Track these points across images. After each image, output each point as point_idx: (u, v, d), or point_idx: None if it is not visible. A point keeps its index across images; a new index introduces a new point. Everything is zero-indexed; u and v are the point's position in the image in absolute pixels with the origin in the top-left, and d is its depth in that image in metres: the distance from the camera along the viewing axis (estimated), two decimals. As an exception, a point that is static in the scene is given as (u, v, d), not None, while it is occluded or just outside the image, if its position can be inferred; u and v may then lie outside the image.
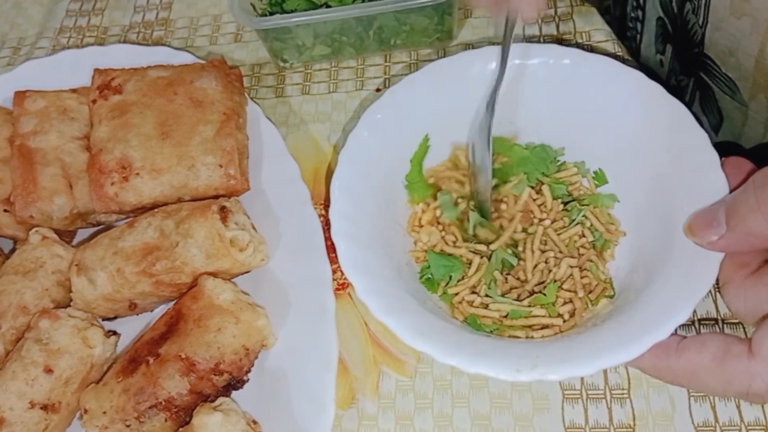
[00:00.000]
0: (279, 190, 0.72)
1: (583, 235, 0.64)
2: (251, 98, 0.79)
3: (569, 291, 0.61)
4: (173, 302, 0.65)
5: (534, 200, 0.65)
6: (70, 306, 0.67)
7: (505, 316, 0.61)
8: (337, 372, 0.62)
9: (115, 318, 0.70)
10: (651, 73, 0.64)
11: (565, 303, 0.61)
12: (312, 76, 0.86)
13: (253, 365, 0.63)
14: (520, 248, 0.64)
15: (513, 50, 0.66)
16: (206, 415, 0.57)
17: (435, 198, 0.68)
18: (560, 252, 0.63)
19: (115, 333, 0.67)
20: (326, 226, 0.65)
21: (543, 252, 0.63)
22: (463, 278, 0.63)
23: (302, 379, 0.62)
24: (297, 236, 0.69)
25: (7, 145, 0.74)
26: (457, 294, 0.63)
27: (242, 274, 0.68)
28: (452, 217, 0.66)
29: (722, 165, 0.56)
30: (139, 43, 0.93)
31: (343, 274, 0.57)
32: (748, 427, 0.57)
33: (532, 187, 0.66)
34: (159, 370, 0.59)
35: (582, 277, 0.62)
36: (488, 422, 0.61)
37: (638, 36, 0.91)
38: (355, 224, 0.60)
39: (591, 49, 0.78)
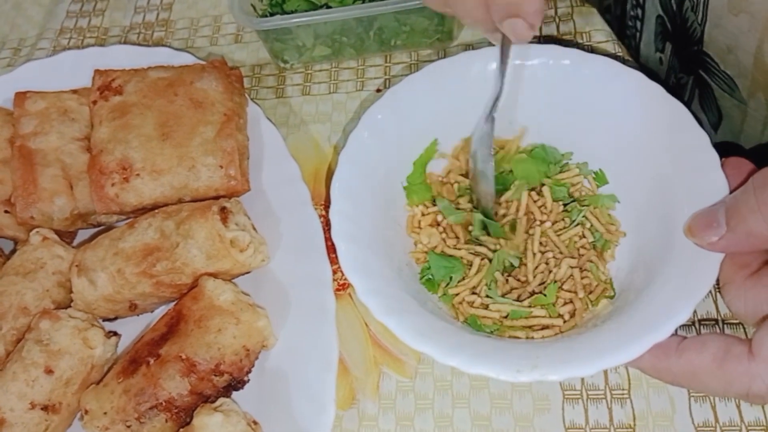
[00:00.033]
0: (279, 190, 0.72)
1: (584, 236, 0.64)
2: (252, 99, 0.79)
3: (569, 291, 0.61)
4: (174, 303, 0.66)
5: (534, 202, 0.65)
6: (70, 307, 0.67)
7: (506, 317, 0.61)
8: (338, 372, 0.62)
9: (115, 319, 0.70)
10: (651, 73, 0.64)
11: (565, 303, 0.61)
12: (312, 77, 0.86)
13: (253, 366, 0.63)
14: (521, 250, 0.64)
15: (513, 50, 0.66)
16: (207, 416, 0.57)
17: (434, 202, 0.68)
18: (560, 253, 0.63)
19: (115, 334, 0.67)
20: (326, 226, 0.65)
21: (543, 253, 0.63)
22: (463, 279, 0.63)
23: (303, 379, 0.62)
24: (297, 237, 0.69)
25: (7, 146, 0.74)
26: (457, 295, 0.63)
27: (243, 274, 0.69)
28: (458, 220, 0.66)
29: (722, 165, 0.56)
30: (139, 44, 0.93)
31: (343, 274, 0.57)
32: (749, 428, 0.57)
33: (533, 189, 0.66)
34: (159, 370, 0.59)
35: (582, 278, 0.62)
36: (488, 423, 0.61)
37: (638, 34, 0.91)
38: (355, 225, 0.60)
39: (591, 50, 0.78)
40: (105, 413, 0.59)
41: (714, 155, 0.56)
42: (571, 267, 0.62)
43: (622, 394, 0.60)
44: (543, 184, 0.66)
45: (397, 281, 0.59)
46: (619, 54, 0.78)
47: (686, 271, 0.53)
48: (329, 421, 0.60)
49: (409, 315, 0.55)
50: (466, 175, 0.69)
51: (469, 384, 0.63)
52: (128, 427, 0.59)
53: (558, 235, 0.64)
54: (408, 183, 0.68)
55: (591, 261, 0.63)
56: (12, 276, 0.68)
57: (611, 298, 0.62)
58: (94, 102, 0.73)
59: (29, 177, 0.71)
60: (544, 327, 0.60)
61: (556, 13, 0.84)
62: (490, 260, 0.63)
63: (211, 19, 0.95)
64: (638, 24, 0.90)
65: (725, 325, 0.61)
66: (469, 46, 0.83)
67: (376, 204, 0.64)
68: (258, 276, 0.69)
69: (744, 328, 0.61)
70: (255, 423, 0.61)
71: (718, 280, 0.52)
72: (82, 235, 0.77)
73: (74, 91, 0.77)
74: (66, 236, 0.75)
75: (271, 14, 0.83)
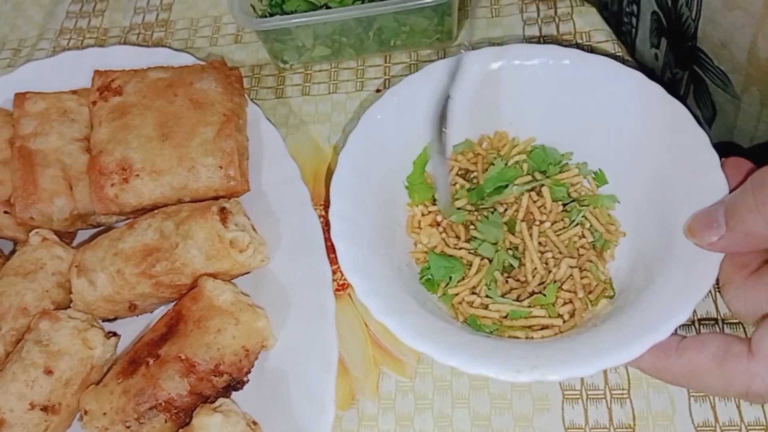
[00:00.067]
0: (279, 191, 0.72)
1: (583, 236, 0.64)
2: (251, 99, 0.79)
3: (569, 291, 0.61)
4: (173, 303, 0.66)
5: (534, 202, 0.65)
6: (70, 307, 0.67)
7: (505, 317, 0.61)
8: (337, 372, 0.62)
9: (115, 319, 0.70)
10: (646, 69, 0.64)
11: (564, 303, 0.61)
12: (312, 77, 0.86)
13: (253, 366, 0.63)
14: (521, 250, 0.64)
15: (513, 50, 0.67)
16: (206, 416, 0.57)
17: (434, 202, 0.68)
18: (560, 253, 0.63)
19: (115, 334, 0.67)
20: (326, 226, 0.65)
21: (543, 253, 0.63)
22: (463, 279, 0.63)
23: (302, 379, 0.62)
24: (297, 237, 0.69)
25: (7, 146, 0.74)
26: (457, 295, 0.63)
27: (242, 275, 0.69)
28: (460, 219, 0.66)
29: (722, 165, 0.56)
30: (139, 45, 0.93)
31: (343, 274, 0.57)
32: (748, 427, 0.57)
33: (533, 189, 0.66)
34: (159, 371, 0.59)
35: (582, 278, 0.62)
36: (488, 423, 0.61)
37: (633, 30, 0.91)
38: (354, 225, 0.60)
39: (591, 50, 0.78)
40: (104, 414, 0.59)
41: (714, 155, 0.56)
42: (571, 267, 0.62)
43: (622, 394, 0.60)
44: (542, 185, 0.66)
45: (396, 281, 0.59)
46: (619, 54, 0.78)
47: (686, 271, 0.53)
48: (329, 421, 0.60)
49: (408, 315, 0.55)
50: (465, 175, 0.69)
51: (468, 384, 0.63)
52: (128, 427, 0.59)
53: (557, 235, 0.64)
54: (408, 183, 0.68)
55: (590, 261, 0.63)
56: (11, 276, 0.68)
57: (611, 298, 0.62)
58: (94, 102, 0.73)
59: (29, 178, 0.71)
60: (544, 327, 0.60)
61: (556, 13, 0.84)
62: (490, 260, 0.63)
63: (211, 19, 0.95)
64: (634, 20, 0.90)
65: (725, 325, 0.61)
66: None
67: (375, 204, 0.64)
68: (258, 276, 0.69)
69: (744, 328, 0.61)
70: (254, 423, 0.61)
71: (717, 280, 0.52)
72: (82, 235, 0.77)
73: (74, 92, 0.77)
74: (66, 237, 0.75)
75: (271, 15, 0.83)
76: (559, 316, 0.60)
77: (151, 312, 0.70)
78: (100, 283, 0.65)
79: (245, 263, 0.66)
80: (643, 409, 0.59)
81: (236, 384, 0.62)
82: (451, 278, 0.63)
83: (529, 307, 0.61)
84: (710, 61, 0.74)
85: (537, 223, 0.64)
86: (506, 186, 0.66)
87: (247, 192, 0.72)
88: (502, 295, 0.62)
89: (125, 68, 0.76)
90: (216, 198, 0.69)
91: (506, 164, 0.67)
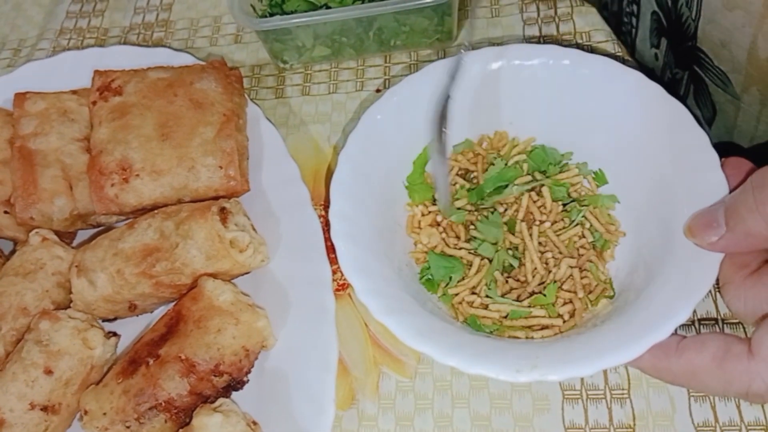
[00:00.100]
0: (279, 191, 0.72)
1: (583, 236, 0.64)
2: (251, 99, 0.79)
3: (569, 291, 0.61)
4: (173, 303, 0.66)
5: (534, 202, 0.65)
6: (70, 307, 0.67)
7: (505, 317, 0.61)
8: (337, 373, 0.62)
9: (115, 319, 0.70)
10: (646, 69, 0.64)
11: (564, 303, 0.61)
12: (312, 77, 0.86)
13: (253, 366, 0.63)
14: (521, 250, 0.64)
15: (513, 50, 0.67)
16: (206, 416, 0.57)
17: (434, 202, 0.68)
18: (560, 253, 0.63)
19: (115, 334, 0.67)
20: (326, 226, 0.65)
21: (543, 253, 0.63)
22: (463, 279, 0.63)
23: (302, 379, 0.62)
24: (297, 237, 0.69)
25: (7, 146, 0.74)
26: (457, 295, 0.63)
27: (242, 275, 0.69)
28: (460, 219, 0.66)
29: (722, 165, 0.56)
30: (139, 45, 0.93)
31: (342, 274, 0.57)
32: (748, 427, 0.57)
33: (533, 189, 0.66)
34: (159, 371, 0.59)
35: (582, 278, 0.62)
36: (488, 423, 0.61)
37: (633, 30, 0.91)
38: (354, 225, 0.60)
39: (591, 50, 0.78)
40: (104, 414, 0.59)
41: (714, 155, 0.56)
42: (571, 267, 0.62)
43: (622, 394, 0.60)
44: (542, 185, 0.66)
45: (396, 281, 0.59)
46: (619, 54, 0.78)
47: (686, 271, 0.53)
48: (329, 421, 0.60)
49: (408, 315, 0.55)
50: (465, 175, 0.69)
51: (468, 384, 0.63)
52: (128, 427, 0.59)
53: (557, 235, 0.64)
54: (408, 183, 0.68)
55: (590, 261, 0.63)
56: (11, 276, 0.68)
57: (611, 298, 0.62)
58: (94, 102, 0.73)
59: (29, 178, 0.71)
60: (544, 327, 0.60)
61: (555, 13, 0.84)
62: (490, 260, 0.63)
63: (211, 19, 0.95)
64: (634, 20, 0.90)
65: (725, 325, 0.61)
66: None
67: (375, 204, 0.64)
68: (257, 276, 0.69)
69: (744, 328, 0.61)
70: (254, 423, 0.61)
71: (717, 280, 0.52)
72: (82, 235, 0.77)
73: (74, 92, 0.77)
74: (66, 237, 0.75)
75: (271, 15, 0.83)
76: (559, 316, 0.60)
77: (151, 312, 0.70)
78: (100, 283, 0.65)
79: (245, 263, 0.66)
80: (643, 409, 0.59)
81: (236, 384, 0.62)
82: (451, 278, 0.63)
83: (529, 307, 0.61)
84: (710, 61, 0.74)
85: (537, 223, 0.64)
86: (506, 186, 0.66)
87: (247, 192, 0.72)
88: (502, 295, 0.62)
89: (125, 68, 0.76)
90: (216, 198, 0.69)
91: (506, 164, 0.67)
